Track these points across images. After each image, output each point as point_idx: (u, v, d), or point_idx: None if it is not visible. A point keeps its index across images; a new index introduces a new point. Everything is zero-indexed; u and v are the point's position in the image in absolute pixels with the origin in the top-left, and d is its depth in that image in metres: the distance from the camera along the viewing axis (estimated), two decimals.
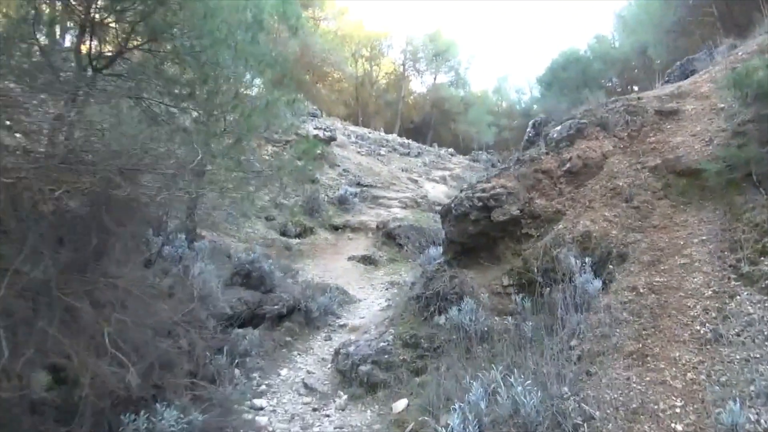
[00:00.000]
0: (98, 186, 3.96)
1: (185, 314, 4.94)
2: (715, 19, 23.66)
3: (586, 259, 5.07)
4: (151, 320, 4.42)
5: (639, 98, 7.16)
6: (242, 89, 10.04)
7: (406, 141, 28.05)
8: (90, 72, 7.16)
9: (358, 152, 23.63)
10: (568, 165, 6.39)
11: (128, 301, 4.19)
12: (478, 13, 78.54)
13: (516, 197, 6.26)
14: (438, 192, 21.09)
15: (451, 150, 30.29)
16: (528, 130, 7.67)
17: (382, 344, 6.32)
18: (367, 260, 14.09)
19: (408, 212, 17.29)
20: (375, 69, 35.87)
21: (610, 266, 5.21)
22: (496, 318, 5.89)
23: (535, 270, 5.75)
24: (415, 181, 22.36)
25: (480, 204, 6.33)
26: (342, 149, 22.78)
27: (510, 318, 5.74)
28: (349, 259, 14.04)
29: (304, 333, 8.07)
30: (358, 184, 18.67)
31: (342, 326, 8.64)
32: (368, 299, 10.87)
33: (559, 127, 6.86)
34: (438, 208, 19.52)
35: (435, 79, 37.47)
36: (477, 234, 6.58)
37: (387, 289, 11.62)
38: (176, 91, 8.45)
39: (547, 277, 5.62)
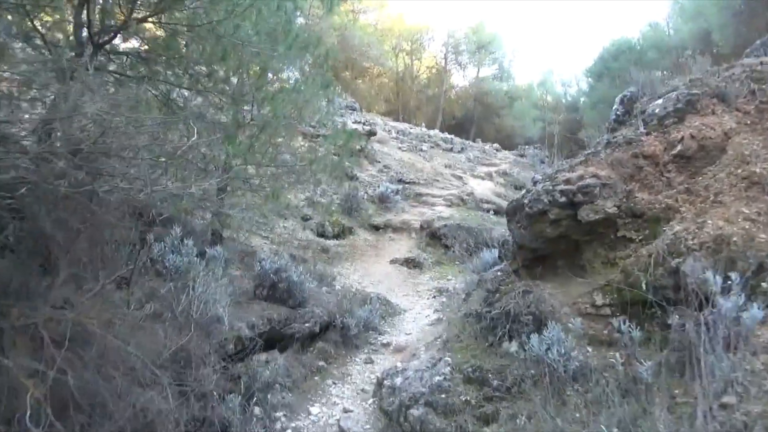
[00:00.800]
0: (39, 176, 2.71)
1: (179, 349, 3.66)
2: None
3: (732, 275, 3.54)
4: (126, 362, 3.15)
5: (762, 63, 5.52)
6: (272, 73, 8.79)
7: (448, 136, 26.49)
8: (90, 48, 6.02)
9: (399, 148, 22.25)
10: (678, 148, 4.82)
11: (86, 339, 2.93)
12: (521, 5, 75.70)
13: (612, 190, 4.74)
14: (484, 189, 19.51)
15: (496, 145, 28.57)
16: (615, 107, 6.14)
17: (437, 378, 4.90)
18: (411, 263, 12.69)
19: (454, 210, 15.81)
20: (416, 63, 34.37)
21: (765, 284, 3.67)
22: (590, 349, 4.40)
23: (644, 286, 4.24)
24: (460, 178, 20.84)
25: (563, 199, 4.83)
26: (382, 145, 21.44)
27: (611, 351, 4.25)
28: (392, 261, 12.68)
29: (341, 355, 6.74)
30: (400, 181, 17.29)
31: (385, 345, 7.27)
32: (414, 309, 9.48)
33: (660, 101, 5.29)
34: (486, 205, 17.98)
35: (478, 72, 35.71)
36: (556, 237, 5.09)
37: (434, 297, 10.20)
38: (191, 70, 7.27)
39: (661, 295, 4.10)
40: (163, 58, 6.74)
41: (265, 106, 7.92)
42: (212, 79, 7.38)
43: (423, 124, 27.55)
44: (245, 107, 8.17)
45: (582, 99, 41.91)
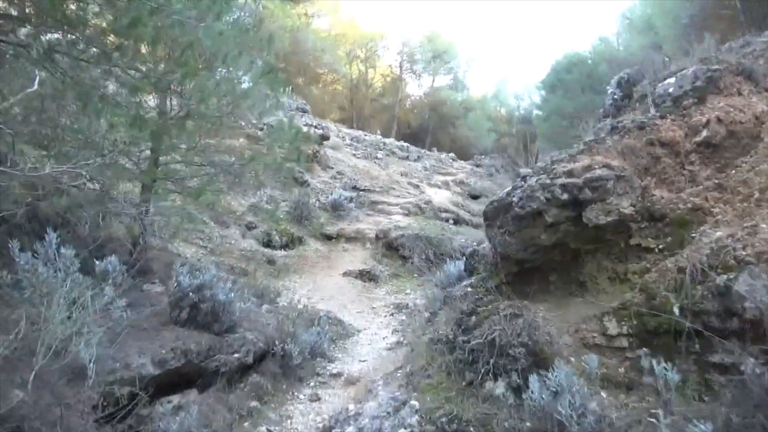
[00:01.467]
0: None
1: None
2: (735, 12, 21.44)
3: None
4: None
5: None
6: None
7: (404, 144, 25.48)
8: None
9: (354, 155, 21.07)
10: (704, 134, 3.80)
11: None
12: (474, 15, 75.71)
13: (628, 184, 3.67)
14: (442, 197, 18.51)
15: (451, 155, 27.74)
16: (611, 90, 5.17)
17: (401, 431, 3.67)
18: (366, 276, 11.44)
19: (411, 219, 14.68)
20: (370, 71, 33.32)
21: None
22: (604, 394, 3.27)
23: (675, 310, 3.15)
24: (417, 186, 19.80)
25: (565, 196, 3.72)
26: (335, 151, 20.19)
27: (633, 397, 3.14)
28: (345, 274, 11.40)
29: (280, 390, 5.40)
30: (354, 188, 16.06)
31: (335, 376, 5.97)
32: (369, 329, 8.22)
33: (672, 80, 4.29)
34: (445, 214, 16.95)
35: (433, 81, 34.92)
36: (550, 246, 3.98)
37: (392, 315, 8.98)
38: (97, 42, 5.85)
39: (702, 323, 3.03)
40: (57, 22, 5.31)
41: (193, 92, 6.58)
42: (123, 54, 5.97)
43: (378, 132, 26.47)
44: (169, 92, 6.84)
45: (534, 111, 42.00)
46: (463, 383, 3.97)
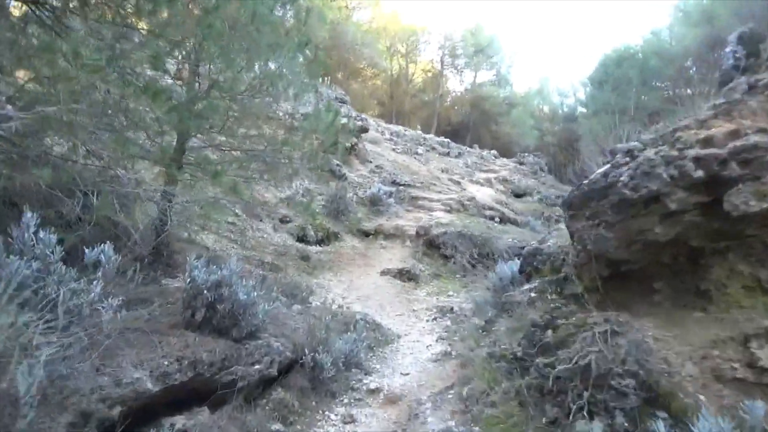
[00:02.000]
0: None
1: None
2: None
3: None
4: None
5: None
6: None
7: (445, 140, 24.46)
8: None
9: (393, 149, 20.20)
10: None
11: None
12: (518, 11, 73.69)
13: None
14: (484, 195, 17.44)
15: (494, 152, 26.56)
16: (730, 49, 4.09)
17: None
18: (406, 275, 10.52)
19: (453, 216, 13.68)
20: (411, 66, 32.37)
21: None
22: None
23: None
24: (458, 183, 18.78)
25: (700, 174, 2.72)
26: (375, 145, 19.35)
27: None
28: (382, 273, 10.50)
29: (309, 408, 4.52)
30: (394, 183, 15.16)
31: (373, 392, 5.05)
32: (410, 335, 7.29)
33: None
34: (489, 212, 15.88)
35: (475, 77, 33.72)
36: (666, 243, 2.98)
37: (435, 320, 8.02)
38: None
39: None
40: None
41: (220, 60, 5.79)
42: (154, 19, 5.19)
43: (419, 128, 25.51)
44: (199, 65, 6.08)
45: (579, 109, 40.25)
46: (544, 420, 3.02)
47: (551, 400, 3.00)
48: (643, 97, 28.40)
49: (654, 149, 2.95)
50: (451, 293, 9.95)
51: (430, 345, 6.65)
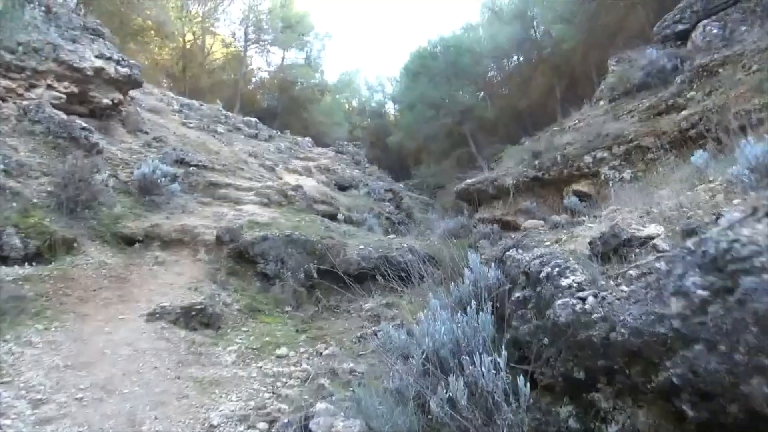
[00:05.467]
0: None
1: None
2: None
3: None
4: None
5: None
6: None
7: (252, 120, 19.31)
8: None
9: (184, 123, 14.54)
10: None
11: None
12: (329, 3, 69.89)
13: None
14: (308, 186, 12.91)
15: (308, 139, 22.17)
16: None
17: None
18: (197, 318, 5.61)
19: (275, 212, 8.94)
20: (209, 37, 26.24)
21: None
22: None
23: None
24: (272, 170, 14.01)
25: None
26: (157, 115, 13.51)
27: None
28: (152, 316, 5.42)
29: None
30: (182, 162, 9.78)
31: None
32: None
33: None
34: (321, 207, 11.40)
35: (283, 57, 28.85)
36: None
37: None
38: None
39: None
40: None
41: None
42: None
43: (220, 104, 19.88)
44: None
45: (387, 103, 38.07)
46: None
47: None
48: (459, 91, 26.81)
49: None
50: (282, 351, 5.29)
51: None
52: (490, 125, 26.40)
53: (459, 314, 3.57)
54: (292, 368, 4.87)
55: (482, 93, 28.03)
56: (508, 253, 3.95)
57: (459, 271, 5.25)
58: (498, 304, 3.61)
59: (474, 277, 4.11)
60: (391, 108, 37.11)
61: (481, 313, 3.40)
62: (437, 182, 24.92)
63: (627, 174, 9.28)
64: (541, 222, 4.82)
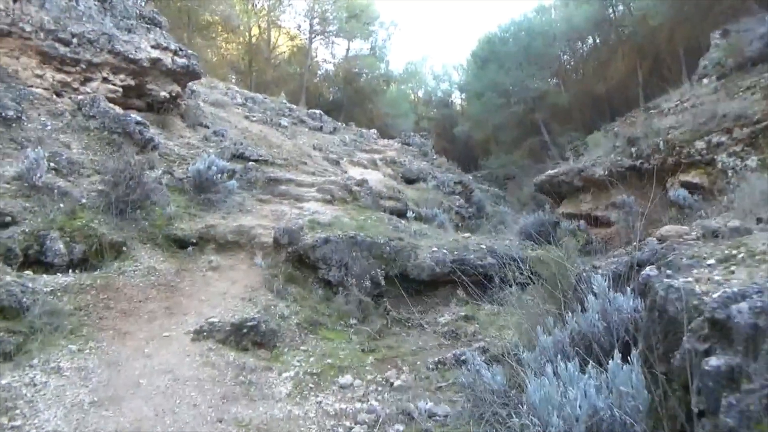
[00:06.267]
0: None
1: None
2: None
3: None
4: None
5: None
6: None
7: (317, 112, 18.70)
8: None
9: (247, 117, 14.04)
10: None
11: None
12: None
13: None
14: (373, 180, 11.98)
15: (373, 131, 21.34)
16: None
17: None
18: (249, 337, 4.80)
19: (338, 209, 8.10)
20: (274, 30, 25.99)
21: None
22: None
23: None
24: (336, 163, 13.23)
25: None
26: (219, 109, 13.07)
27: None
28: (198, 334, 4.65)
29: None
30: (241, 157, 9.13)
31: None
32: None
33: None
34: (388, 203, 10.45)
35: (348, 47, 28.16)
36: None
37: None
38: None
39: None
40: None
41: None
42: None
43: (284, 96, 19.39)
44: None
45: (455, 92, 36.50)
46: None
47: None
48: (531, 78, 25.02)
49: None
50: (347, 380, 4.37)
51: None
52: (563, 112, 24.52)
53: (590, 367, 2.50)
54: (358, 405, 3.95)
55: (555, 79, 26.11)
56: (650, 275, 2.80)
57: (559, 283, 4.12)
58: (647, 351, 2.50)
59: (601, 306, 3.00)
60: (457, 98, 35.64)
61: (626, 367, 2.33)
62: (507, 173, 23.51)
63: (752, 161, 7.71)
64: (685, 229, 3.61)
